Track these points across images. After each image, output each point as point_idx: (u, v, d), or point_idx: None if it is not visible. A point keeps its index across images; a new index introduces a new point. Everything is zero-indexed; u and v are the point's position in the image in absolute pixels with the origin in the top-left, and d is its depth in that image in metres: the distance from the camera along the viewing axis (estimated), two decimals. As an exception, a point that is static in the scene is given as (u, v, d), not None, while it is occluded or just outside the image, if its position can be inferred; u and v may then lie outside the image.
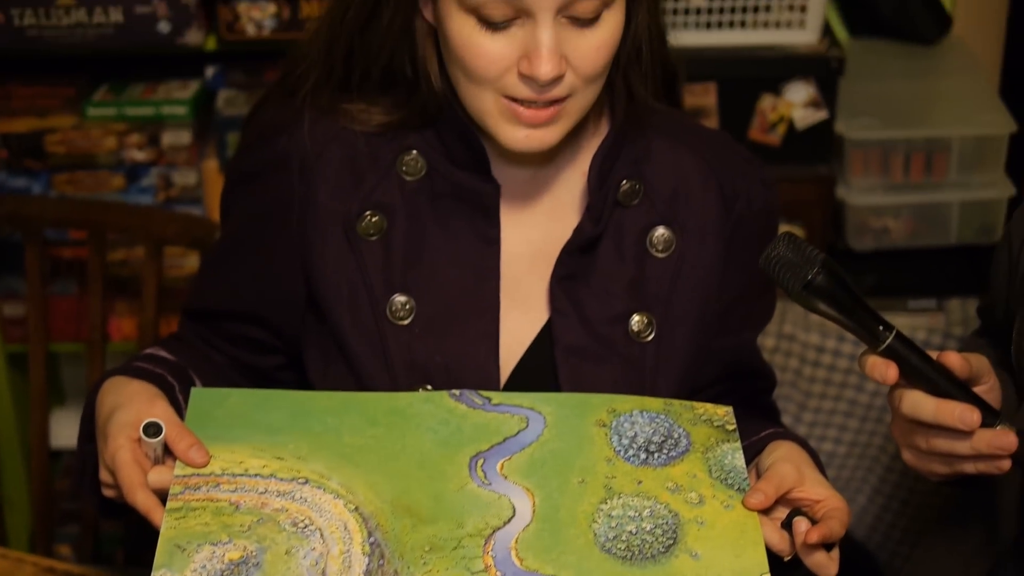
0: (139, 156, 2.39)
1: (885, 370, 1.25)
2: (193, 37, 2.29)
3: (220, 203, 1.51)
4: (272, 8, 2.30)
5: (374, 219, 1.41)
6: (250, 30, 2.31)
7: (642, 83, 1.42)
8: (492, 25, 1.29)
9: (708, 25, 2.44)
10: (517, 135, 1.34)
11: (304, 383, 1.48)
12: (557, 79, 1.30)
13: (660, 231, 1.44)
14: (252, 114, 1.52)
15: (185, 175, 2.41)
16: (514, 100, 1.32)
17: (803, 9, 2.44)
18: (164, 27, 2.27)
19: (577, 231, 1.42)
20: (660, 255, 1.44)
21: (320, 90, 1.42)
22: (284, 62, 1.49)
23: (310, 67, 1.43)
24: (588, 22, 1.30)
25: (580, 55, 1.30)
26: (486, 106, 1.33)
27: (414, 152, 1.42)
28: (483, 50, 1.30)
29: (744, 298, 1.49)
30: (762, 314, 1.54)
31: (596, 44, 1.31)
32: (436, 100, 1.39)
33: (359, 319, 1.41)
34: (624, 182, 1.43)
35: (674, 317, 1.44)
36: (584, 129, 1.44)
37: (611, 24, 1.32)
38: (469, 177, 1.41)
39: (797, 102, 2.47)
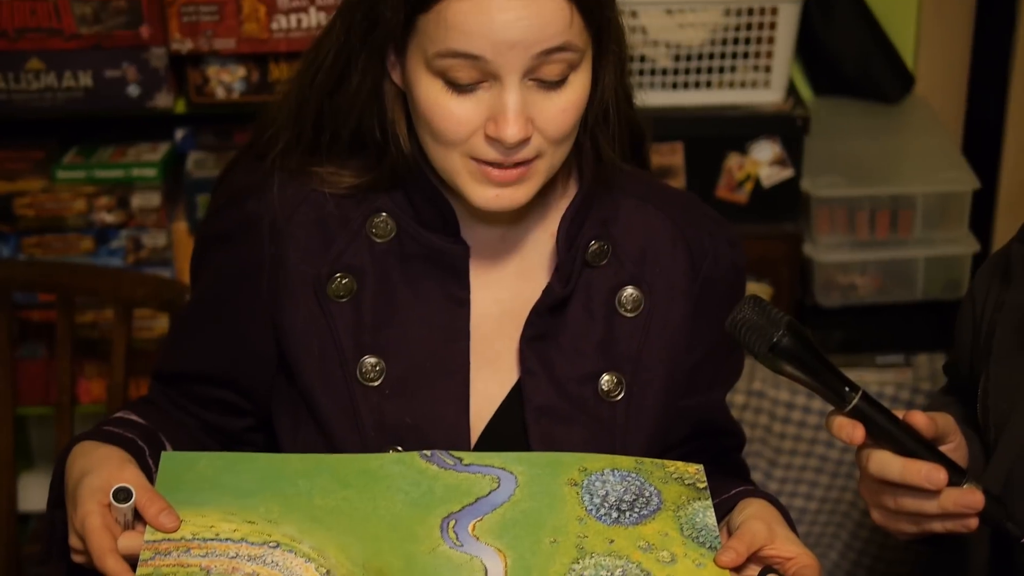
0: (108, 218, 2.39)
1: (852, 431, 1.26)
2: (163, 100, 2.29)
3: (190, 266, 1.52)
4: (241, 71, 2.31)
5: (344, 281, 1.42)
6: (220, 93, 2.32)
7: (610, 144, 1.43)
8: (459, 88, 1.30)
9: (675, 85, 2.47)
10: (486, 194, 1.34)
11: (274, 445, 1.48)
12: (524, 141, 1.31)
13: (629, 291, 1.45)
14: (222, 177, 1.53)
15: (155, 237, 2.41)
16: (482, 161, 1.33)
17: (768, 69, 2.47)
18: (134, 91, 2.28)
19: (546, 292, 1.43)
20: (629, 315, 1.45)
21: (289, 153, 1.43)
22: (254, 125, 1.50)
23: (279, 130, 1.44)
24: (555, 85, 1.31)
25: (547, 117, 1.31)
26: (455, 167, 1.34)
27: (383, 214, 1.42)
28: (450, 112, 1.30)
29: (712, 357, 1.50)
30: (730, 373, 1.55)
31: (562, 106, 1.32)
32: (405, 162, 1.39)
33: (329, 380, 1.41)
34: (593, 242, 1.44)
35: (644, 376, 1.45)
36: (553, 190, 1.45)
37: (577, 86, 1.33)
38: (438, 239, 1.42)
39: (763, 160, 2.49)
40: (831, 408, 1.28)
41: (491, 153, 1.31)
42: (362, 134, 1.40)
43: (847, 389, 1.26)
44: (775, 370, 1.26)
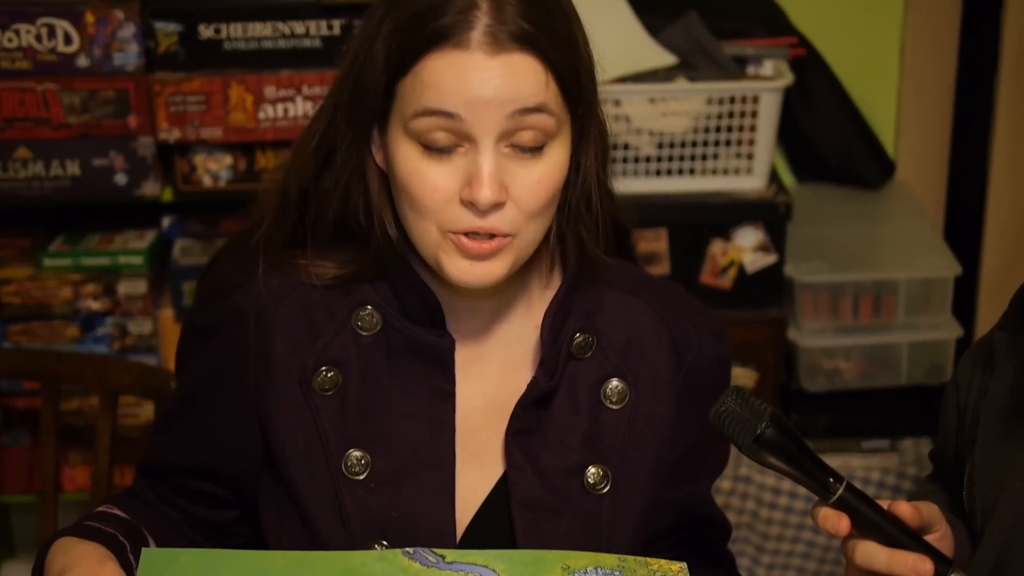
0: (95, 306, 2.40)
1: (837, 522, 1.26)
2: (150, 189, 2.31)
3: (176, 358, 1.51)
4: (228, 160, 2.32)
5: (329, 374, 1.41)
6: (206, 181, 2.33)
7: (593, 236, 1.44)
8: (436, 151, 1.30)
9: (658, 172, 2.49)
10: (461, 266, 1.34)
11: (261, 537, 1.47)
12: (498, 206, 1.31)
13: (614, 383, 1.45)
14: (208, 269, 1.53)
15: (141, 324, 2.41)
16: (458, 232, 1.33)
17: (750, 156, 2.49)
18: (121, 179, 2.30)
19: (531, 385, 1.43)
20: (614, 407, 1.45)
21: (274, 240, 1.44)
22: (247, 217, 1.50)
23: (266, 216, 1.44)
24: (531, 153, 1.31)
25: (522, 186, 1.31)
26: (432, 239, 1.34)
27: (369, 308, 1.42)
28: (427, 177, 1.31)
29: (698, 448, 1.50)
30: (716, 463, 1.54)
31: (538, 177, 1.32)
32: (391, 249, 1.40)
33: (314, 474, 1.41)
34: (578, 335, 1.44)
35: (630, 469, 1.44)
36: (537, 281, 1.46)
37: (553, 159, 1.33)
38: (424, 332, 1.42)
39: (747, 246, 2.51)
40: (817, 497, 1.28)
41: (465, 220, 1.31)
42: (347, 219, 1.40)
43: (831, 480, 1.26)
44: (759, 462, 1.26)
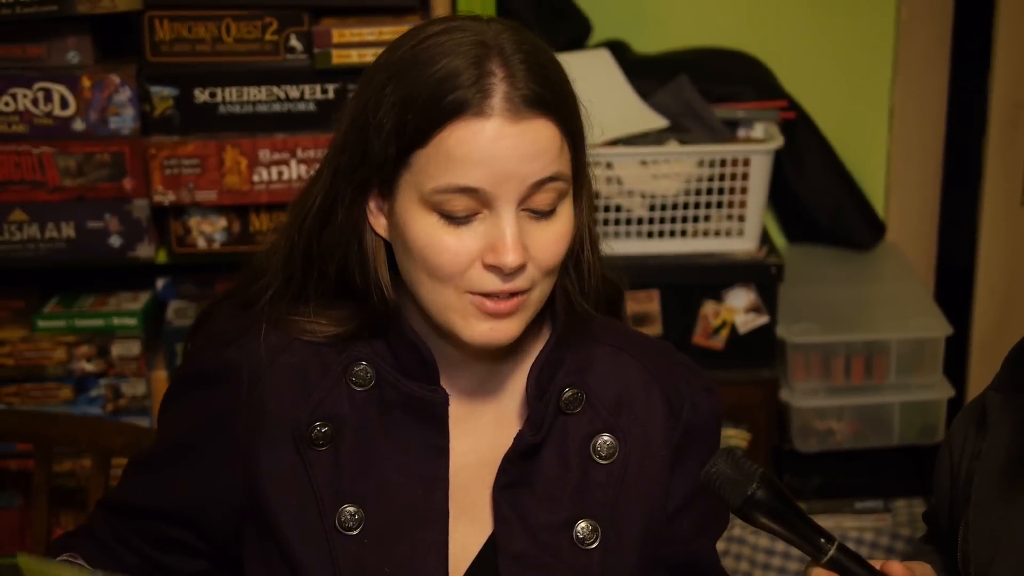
0: (88, 367, 2.40)
1: None
2: (144, 251, 2.31)
3: (162, 402, 1.51)
4: (223, 222, 2.33)
5: (323, 429, 1.42)
6: (201, 243, 2.34)
7: (582, 291, 1.45)
8: (454, 220, 1.32)
9: (650, 234, 2.50)
10: (481, 328, 1.35)
11: None
12: (521, 268, 1.33)
13: (604, 438, 1.46)
14: (200, 322, 1.53)
15: (134, 386, 2.41)
16: (478, 294, 1.34)
17: (741, 218, 2.51)
18: (116, 241, 2.30)
19: (518, 439, 1.43)
20: (604, 462, 1.45)
21: (278, 301, 1.44)
22: (239, 273, 1.51)
23: (271, 278, 1.45)
24: (546, 214, 1.34)
25: (540, 246, 1.34)
26: (450, 302, 1.35)
27: (363, 363, 1.43)
28: (447, 246, 1.32)
29: (693, 505, 1.50)
30: (716, 522, 1.54)
31: (555, 235, 1.34)
32: (387, 310, 1.41)
33: (307, 528, 1.41)
34: (567, 390, 1.45)
35: (620, 524, 1.44)
36: (529, 338, 1.46)
37: (565, 217, 1.36)
38: (418, 388, 1.42)
39: (738, 307, 2.51)
40: (810, 558, 1.29)
41: (489, 283, 1.33)
42: (347, 274, 1.40)
43: (823, 540, 1.27)
44: (750, 522, 1.27)
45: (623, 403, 1.47)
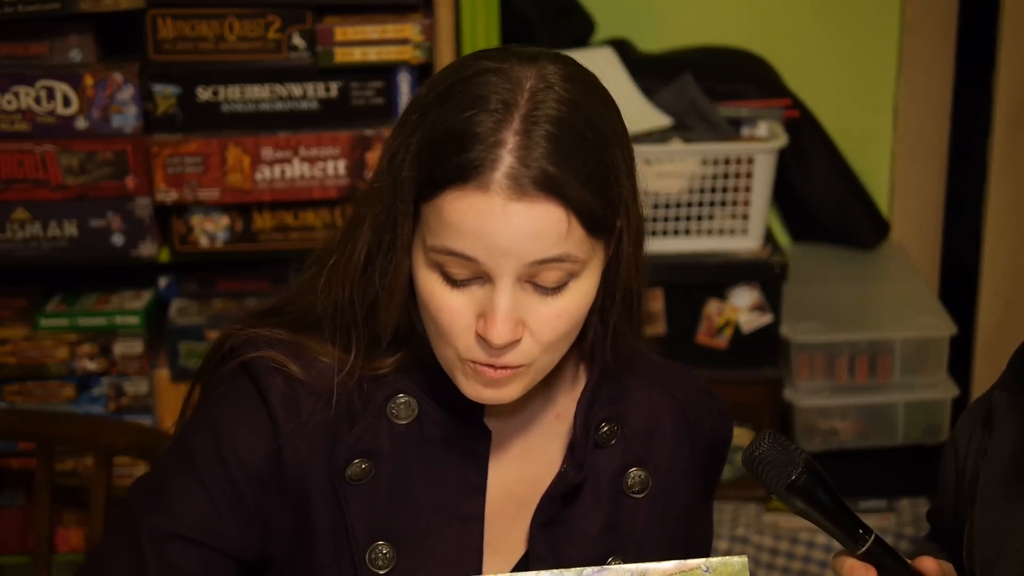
0: (91, 366, 2.39)
1: (864, 574, 1.25)
2: (146, 249, 2.31)
3: (191, 420, 1.44)
4: (225, 221, 2.33)
5: (363, 466, 1.37)
6: (203, 242, 2.34)
7: (632, 330, 1.40)
8: (454, 282, 1.27)
9: (654, 233, 2.50)
10: (479, 390, 1.31)
11: None
12: (512, 344, 1.27)
13: (635, 472, 1.42)
14: (235, 344, 1.43)
15: (136, 384, 2.41)
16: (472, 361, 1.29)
17: (745, 217, 2.50)
18: (118, 240, 2.30)
19: (560, 478, 1.39)
20: (636, 496, 1.42)
21: (325, 335, 1.39)
22: (282, 297, 1.45)
23: (322, 313, 1.39)
24: (552, 290, 1.27)
25: (539, 321, 1.27)
26: (452, 359, 1.30)
27: (405, 397, 1.38)
28: (445, 304, 1.27)
29: (698, 523, 1.50)
30: (708, 536, 1.54)
31: (557, 311, 1.27)
32: (429, 347, 1.35)
33: (337, 565, 1.37)
34: (604, 424, 1.41)
35: (648, 557, 1.40)
36: (563, 373, 1.42)
37: (578, 292, 1.28)
38: (460, 422, 1.38)
39: (742, 307, 2.51)
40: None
41: (480, 354, 1.28)
42: (392, 314, 1.35)
43: (860, 531, 1.25)
44: (790, 507, 1.24)
45: (654, 434, 1.44)
